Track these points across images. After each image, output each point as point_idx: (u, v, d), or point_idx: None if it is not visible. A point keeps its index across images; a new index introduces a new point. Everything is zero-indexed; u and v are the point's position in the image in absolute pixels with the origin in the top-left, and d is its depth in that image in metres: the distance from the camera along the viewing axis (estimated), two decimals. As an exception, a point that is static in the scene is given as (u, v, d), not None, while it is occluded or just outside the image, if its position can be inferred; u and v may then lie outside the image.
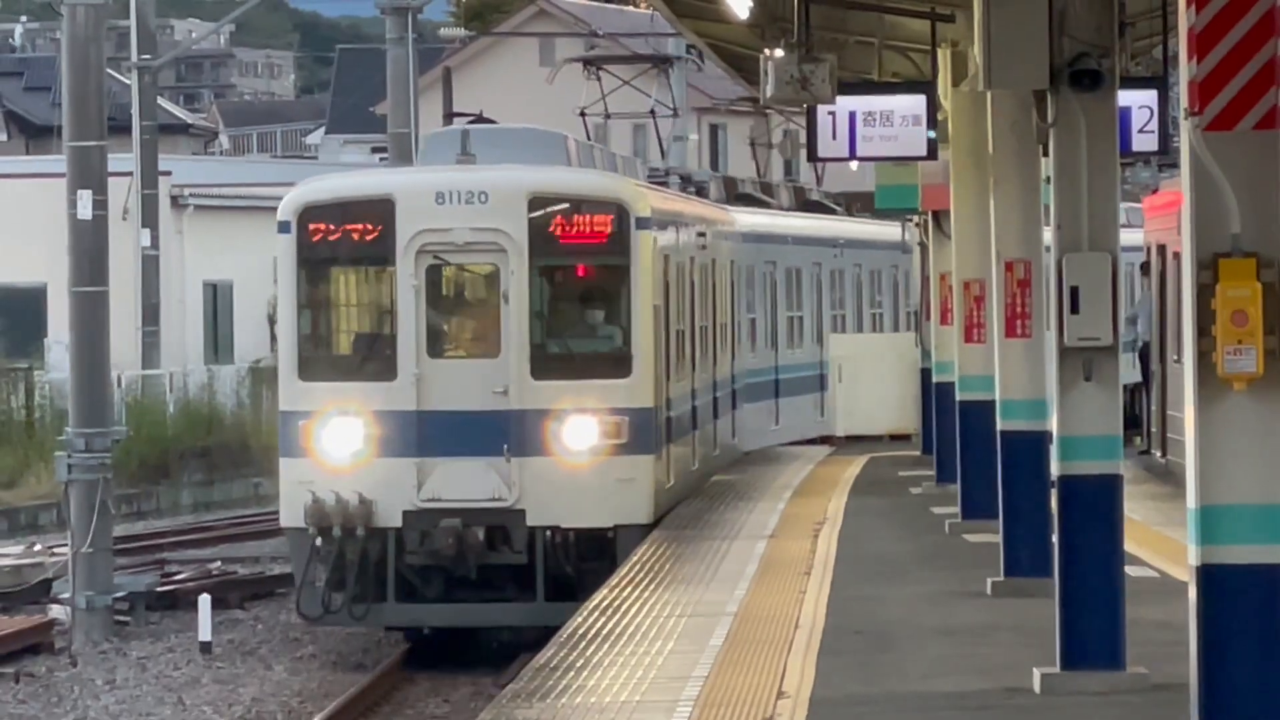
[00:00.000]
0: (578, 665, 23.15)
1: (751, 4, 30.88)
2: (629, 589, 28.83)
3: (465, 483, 30.12)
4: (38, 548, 45.23)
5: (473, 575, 29.74)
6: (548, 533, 30.12)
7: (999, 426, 26.53)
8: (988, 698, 20.41)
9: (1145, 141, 31.47)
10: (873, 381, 54.78)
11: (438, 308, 31.08)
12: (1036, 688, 20.21)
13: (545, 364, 31.01)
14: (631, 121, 62.98)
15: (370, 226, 30.77)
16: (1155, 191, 47.27)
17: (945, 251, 40.26)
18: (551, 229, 31.21)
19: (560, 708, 20.90)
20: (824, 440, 53.79)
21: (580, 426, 30.68)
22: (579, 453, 30.93)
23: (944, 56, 34.40)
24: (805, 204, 60.06)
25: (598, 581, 28.93)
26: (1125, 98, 26.88)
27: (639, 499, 30.65)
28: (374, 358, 31.22)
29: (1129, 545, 21.74)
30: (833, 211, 61.00)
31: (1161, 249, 42.53)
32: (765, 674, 22.01)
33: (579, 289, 33.37)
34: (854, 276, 60.66)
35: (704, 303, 41.98)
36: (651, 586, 28.94)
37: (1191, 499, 15.57)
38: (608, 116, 55.50)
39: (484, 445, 30.30)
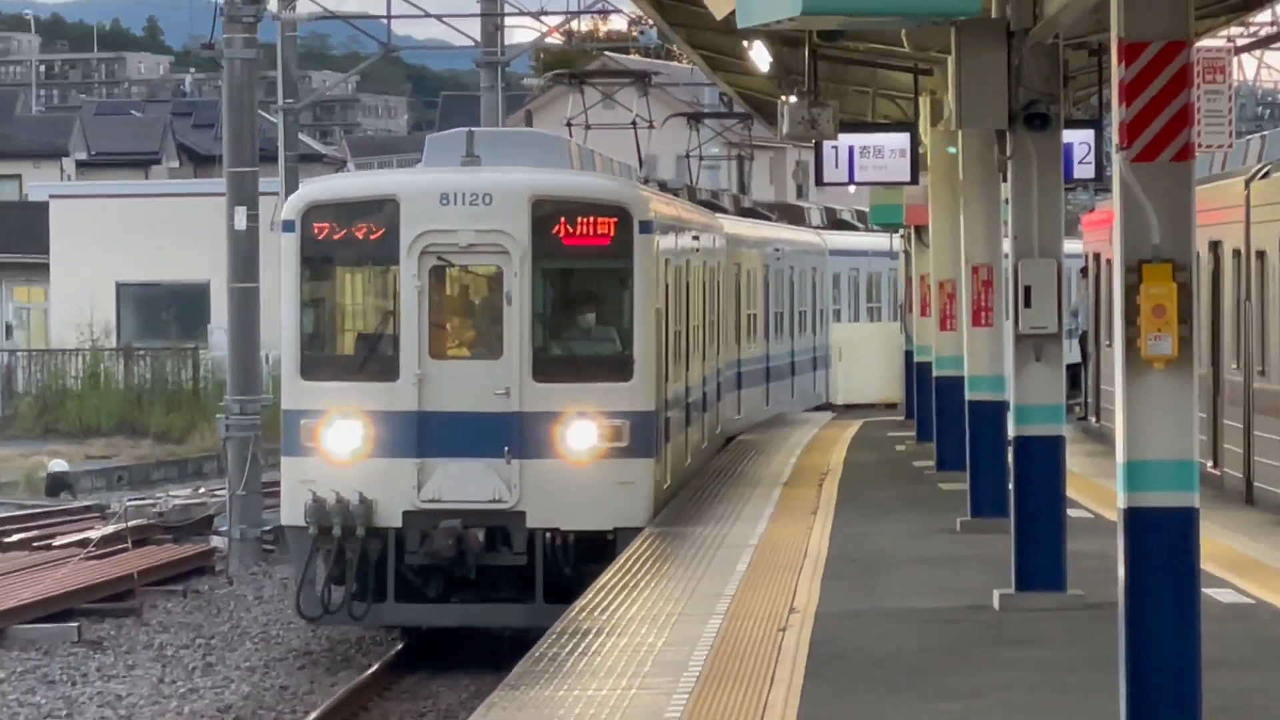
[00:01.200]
0: (632, 583, 23.15)
1: (771, 60, 30.69)
2: (670, 525, 28.06)
3: (466, 484, 24.52)
4: (202, 490, 46.58)
5: (472, 576, 24.47)
6: (547, 534, 24.56)
7: (967, 397, 26.18)
8: (956, 613, 20.65)
9: (1084, 170, 32.01)
10: (866, 361, 54.69)
11: (440, 309, 25.40)
12: (996, 605, 20.31)
13: (547, 366, 25.11)
14: (674, 154, 66.82)
15: (374, 227, 25.23)
16: (1092, 210, 46.39)
17: (925, 257, 39.25)
18: (555, 231, 25.31)
19: (616, 615, 21.26)
20: (828, 407, 53.80)
21: (581, 429, 24.79)
22: (579, 455, 24.97)
23: (924, 103, 34.06)
24: (836, 222, 59.96)
25: None
26: (1068, 136, 26.71)
27: (639, 502, 24.98)
28: (376, 358, 25.35)
29: (1070, 492, 21.69)
30: (854, 227, 60.84)
31: (1097, 256, 41.30)
32: (780, 593, 21.89)
33: (581, 292, 26.83)
34: (850, 278, 60.06)
35: (708, 302, 35.56)
36: (689, 523, 28.32)
37: (1120, 455, 15.50)
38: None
39: (485, 446, 24.58)
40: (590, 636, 17.97)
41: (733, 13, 15.74)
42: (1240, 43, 37.77)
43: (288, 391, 24.70)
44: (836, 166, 32.97)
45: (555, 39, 61.64)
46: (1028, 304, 21.35)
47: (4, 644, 29.38)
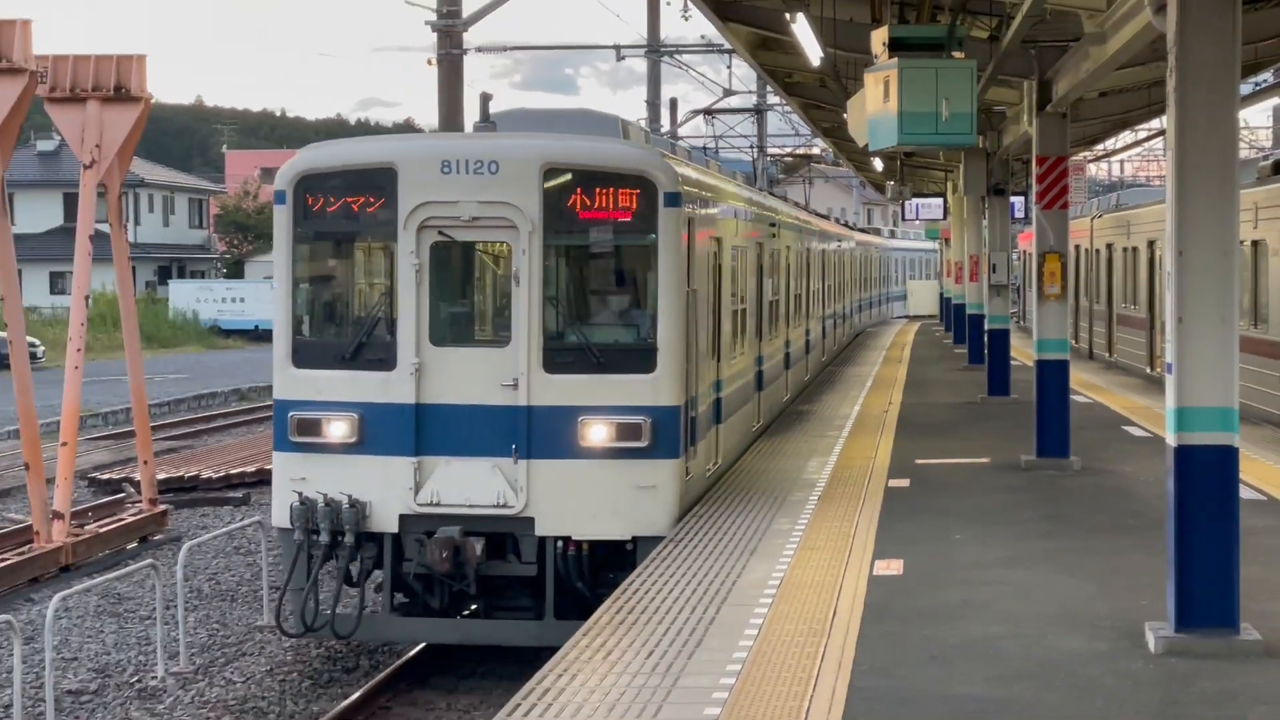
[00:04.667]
0: (750, 467, 20.12)
1: (882, 166, 37.91)
2: (800, 405, 27.27)
3: (468, 485, 15.21)
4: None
5: (475, 588, 15.18)
6: (559, 543, 15.07)
7: (985, 326, 29.43)
8: (995, 466, 19.47)
9: (1019, 213, 38.30)
10: (922, 296, 70.97)
11: (441, 290, 15.71)
12: (1022, 464, 18.84)
13: (560, 355, 15.30)
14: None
15: (371, 198, 15.72)
16: (1024, 231, 52.35)
17: (948, 253, 47.90)
18: (569, 204, 15.51)
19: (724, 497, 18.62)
20: (905, 317, 67.60)
21: (597, 426, 15.12)
22: (595, 455, 15.14)
23: (951, 181, 41.44)
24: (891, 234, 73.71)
25: None
26: (1013, 199, 34.19)
27: (661, 508, 15.26)
28: (371, 344, 15.61)
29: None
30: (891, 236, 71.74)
31: (1026, 252, 51.66)
32: (869, 443, 21.79)
33: (599, 272, 16.25)
34: (897, 260, 71.67)
35: (790, 279, 25.10)
36: (818, 394, 29.14)
37: (1035, 336, 19.26)
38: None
39: (490, 444, 15.24)
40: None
41: (867, 143, 15.47)
42: (1088, 156, 49.07)
43: (279, 380, 15.50)
44: (910, 212, 41.46)
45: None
46: (993, 270, 27.00)
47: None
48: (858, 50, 19.31)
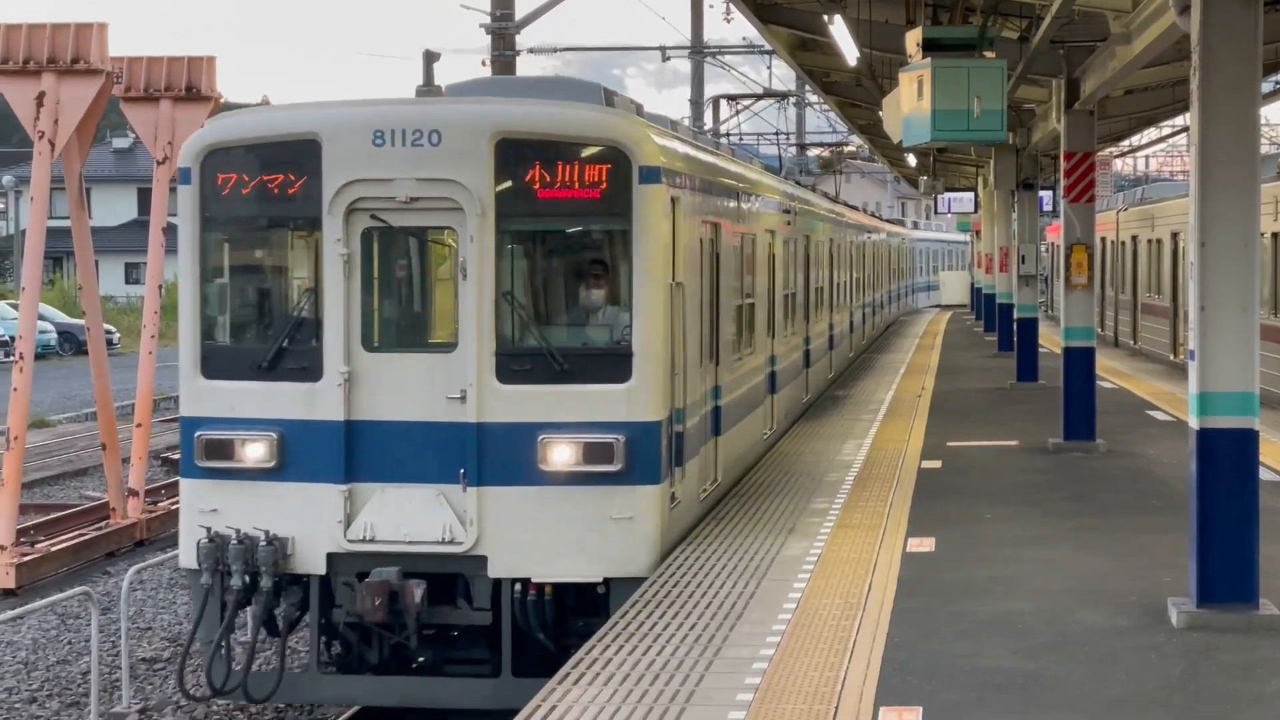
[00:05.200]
0: (803, 433, 21.12)
1: (915, 161, 37.64)
2: (835, 390, 27.29)
3: (408, 518, 11.88)
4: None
5: (417, 640, 11.88)
6: (517, 586, 11.81)
7: (1014, 315, 28.88)
8: (1023, 449, 19.30)
9: (1048, 206, 38.89)
10: (954, 286, 69.59)
11: (375, 285, 12.23)
12: (1050, 447, 18.72)
13: (516, 362, 11.87)
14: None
15: (292, 176, 12.16)
16: (1052, 224, 52.08)
17: (979, 245, 48.90)
18: (526, 181, 11.87)
19: (796, 450, 19.61)
20: (936, 307, 67.02)
21: (561, 446, 11.74)
22: (559, 481, 11.78)
23: (982, 176, 41.17)
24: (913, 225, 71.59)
25: None
26: (1041, 193, 33.64)
27: (639, 544, 11.90)
28: (293, 351, 12.14)
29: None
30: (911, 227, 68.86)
31: (1054, 245, 52.39)
32: (903, 426, 22.28)
33: (563, 262, 12.57)
34: (921, 251, 69.25)
35: (786, 272, 19.87)
36: (853, 380, 29.33)
37: (1062, 324, 19.22)
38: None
39: (434, 469, 11.91)
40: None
41: (902, 139, 15.59)
42: (1114, 152, 48.64)
43: (186, 393, 12.23)
44: (943, 206, 41.16)
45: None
46: (1022, 261, 26.88)
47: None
48: (893, 50, 19.26)
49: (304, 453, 11.85)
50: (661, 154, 12.08)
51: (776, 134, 34.18)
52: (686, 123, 29.78)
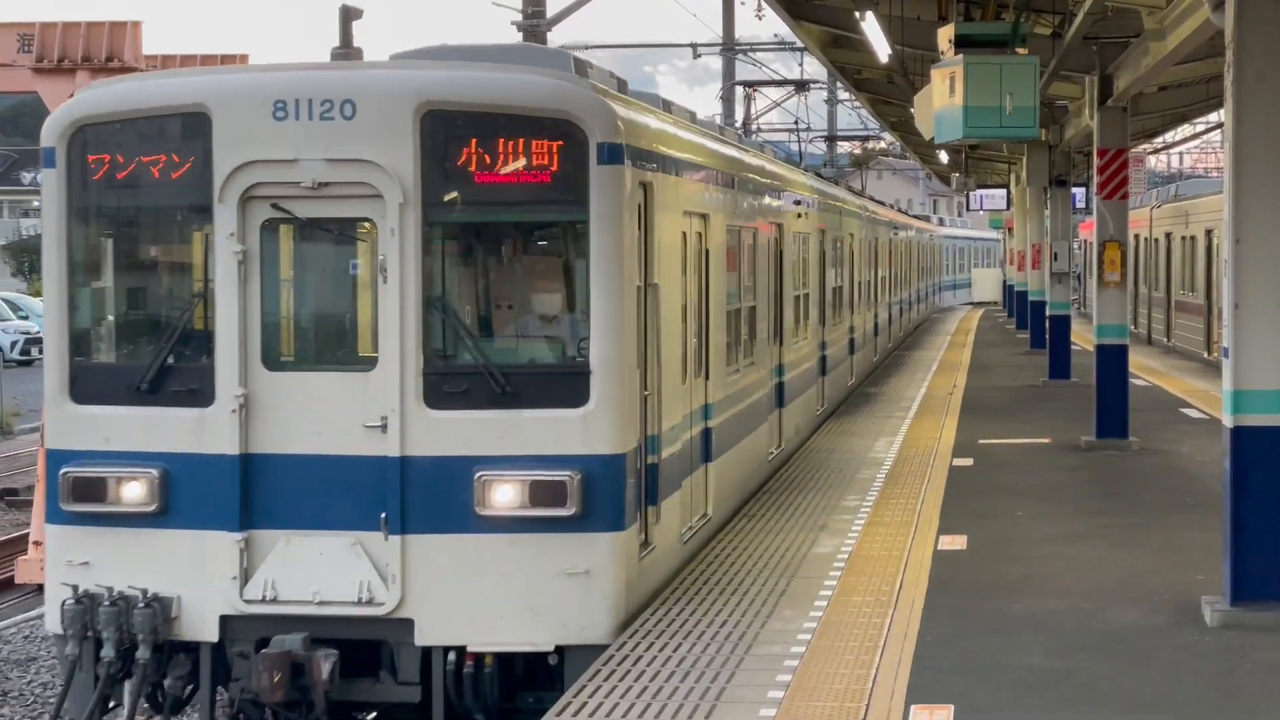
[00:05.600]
0: (817, 447, 21.14)
1: (947, 158, 37.63)
2: (867, 388, 27.23)
3: (318, 574, 9.37)
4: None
5: None
6: (450, 656, 9.36)
7: (1047, 312, 28.94)
8: (1056, 447, 19.20)
9: (1081, 203, 38.95)
10: (986, 284, 68.71)
11: (278, 290, 9.73)
12: (1082, 445, 18.68)
13: (448, 383, 9.39)
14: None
15: (176, 158, 9.51)
16: (1085, 221, 51.48)
17: (1011, 242, 48.75)
18: (460, 162, 9.36)
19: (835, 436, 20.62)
20: (969, 304, 66.29)
21: (503, 486, 9.28)
22: (501, 528, 9.32)
23: (1013, 174, 41.25)
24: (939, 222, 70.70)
25: None
26: (1074, 189, 33.51)
27: (598, 604, 9.38)
28: (179, 369, 9.58)
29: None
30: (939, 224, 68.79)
31: (1087, 241, 52.00)
32: (934, 424, 23.36)
33: (506, 261, 10.07)
34: (948, 248, 67.72)
35: (797, 272, 17.86)
36: (884, 378, 29.34)
37: (1095, 321, 18.99)
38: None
39: (349, 513, 9.37)
40: None
41: (933, 136, 15.49)
42: (1147, 149, 48.45)
43: (51, 422, 10.00)
44: (975, 203, 41.11)
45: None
46: (1055, 258, 26.83)
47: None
48: (924, 47, 19.28)
49: (192, 494, 9.69)
50: (627, 129, 9.91)
51: (796, 123, 33.65)
52: (717, 119, 29.70)
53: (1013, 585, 11.23)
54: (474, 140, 9.59)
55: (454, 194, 9.72)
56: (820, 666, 9.14)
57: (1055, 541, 12.87)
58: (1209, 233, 31.14)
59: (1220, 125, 34.66)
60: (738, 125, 31.13)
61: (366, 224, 9.81)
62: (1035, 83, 14.17)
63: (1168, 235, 36.51)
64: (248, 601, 9.68)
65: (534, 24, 26.78)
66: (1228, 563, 10.21)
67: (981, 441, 19.18)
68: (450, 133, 9.66)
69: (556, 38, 48.81)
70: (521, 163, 9.57)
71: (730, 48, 42.50)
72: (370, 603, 9.60)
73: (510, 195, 9.72)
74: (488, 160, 9.61)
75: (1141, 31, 16.54)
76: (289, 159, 9.67)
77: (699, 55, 40.30)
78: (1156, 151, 57.33)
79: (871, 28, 17.32)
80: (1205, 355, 31.46)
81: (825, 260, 20.73)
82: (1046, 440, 19.34)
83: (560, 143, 9.59)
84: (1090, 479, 16.36)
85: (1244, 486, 10.08)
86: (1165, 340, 36.88)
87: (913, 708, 8.37)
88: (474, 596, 9.57)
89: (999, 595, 10.92)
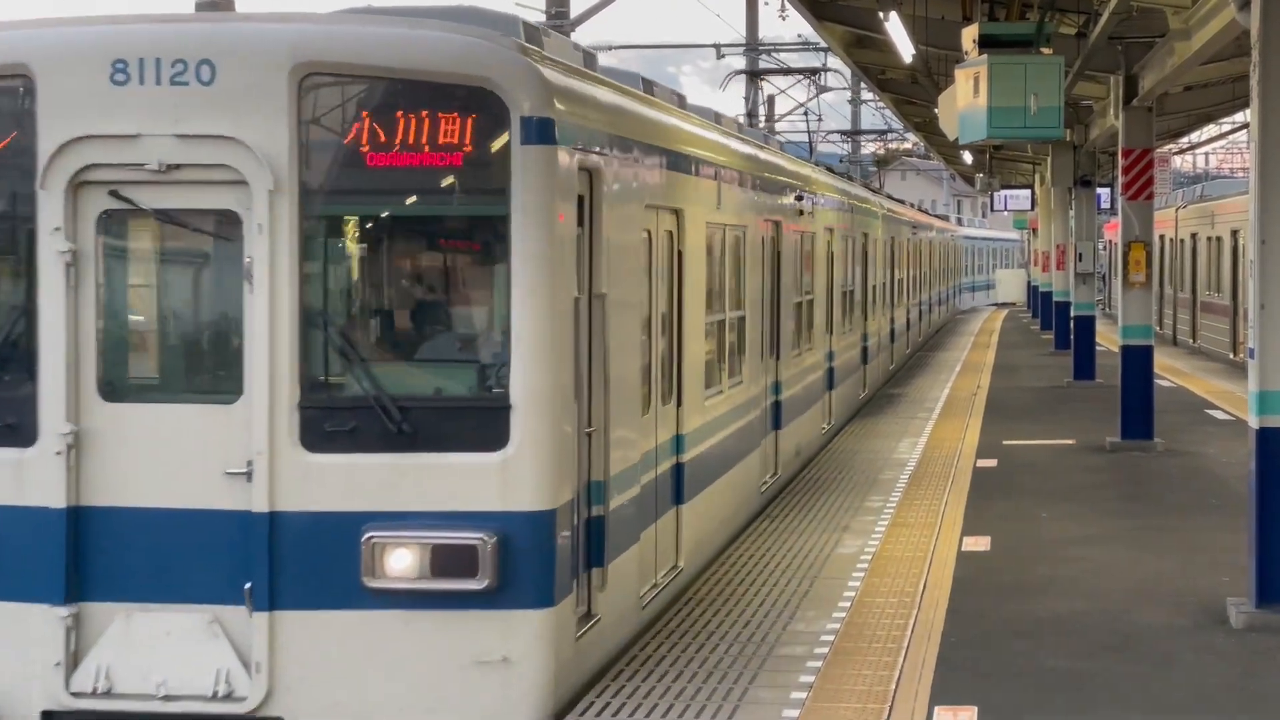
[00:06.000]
0: (857, 431, 22.14)
1: (971, 159, 37.67)
2: (890, 388, 27.43)
3: (165, 660, 7.10)
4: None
5: None
6: None
7: (1071, 313, 29.25)
8: (1080, 448, 19.38)
9: (1106, 204, 37.84)
10: (1010, 284, 69.89)
11: (118, 300, 7.31)
12: (1107, 446, 18.67)
13: (331, 419, 7.11)
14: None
15: None
16: (1109, 221, 52.24)
17: (1035, 242, 49.84)
18: (349, 140, 7.11)
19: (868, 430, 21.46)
20: (993, 305, 67.66)
21: (399, 551, 7.03)
22: (396, 603, 7.13)
23: (1037, 175, 41.35)
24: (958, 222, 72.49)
25: None
26: (1100, 190, 33.44)
27: (517, 700, 7.10)
28: None
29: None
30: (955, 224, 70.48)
31: (1111, 242, 49.85)
32: (958, 425, 23.68)
33: (406, 265, 7.61)
34: (968, 249, 68.67)
35: (797, 274, 15.99)
36: (908, 379, 29.56)
37: (1120, 322, 19.28)
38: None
39: (204, 582, 7.09)
40: None
41: (958, 136, 15.42)
42: (1173, 149, 48.88)
43: None
44: (999, 204, 41.28)
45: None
46: (1079, 259, 26.80)
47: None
48: (948, 47, 19.32)
49: (6, 557, 7.70)
50: (564, 102, 7.98)
51: (806, 114, 33.12)
52: (741, 118, 28.22)
53: (1037, 586, 11.22)
54: (365, 112, 7.60)
55: (339, 180, 7.70)
56: (843, 668, 9.12)
57: (1079, 543, 12.86)
58: (1235, 233, 31.09)
59: (1246, 125, 34.58)
60: (759, 124, 30.67)
61: (227, 218, 7.69)
62: (1060, 83, 14.15)
63: (1193, 236, 36.46)
64: (75, 695, 7.67)
65: (558, 23, 26.71)
66: (1253, 564, 10.18)
67: (1005, 442, 19.19)
68: (335, 103, 7.66)
69: (581, 38, 48.94)
70: (426, 140, 7.52)
71: (754, 48, 42.53)
72: (229, 697, 7.61)
73: (411, 182, 7.65)
74: (383, 137, 7.56)
75: (1167, 31, 16.55)
76: (130, 134, 7.61)
77: (723, 56, 40.17)
78: (1182, 152, 57.15)
79: (895, 28, 17.32)
80: (1231, 356, 31.43)
81: (833, 262, 19.02)
82: (1071, 441, 19.35)
83: (475, 116, 7.52)
84: (1115, 480, 16.34)
85: (1270, 488, 10.05)
86: (1190, 341, 36.84)
87: (936, 709, 8.36)
88: (361, 690, 7.61)
89: (1023, 596, 10.91)
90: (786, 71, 39.06)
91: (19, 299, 7.82)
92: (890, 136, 51.56)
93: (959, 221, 67.47)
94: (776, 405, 14.60)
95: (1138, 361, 18.88)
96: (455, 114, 7.48)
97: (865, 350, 22.67)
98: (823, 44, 34.27)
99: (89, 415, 7.69)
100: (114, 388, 7.80)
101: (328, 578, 7.55)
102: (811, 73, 36.84)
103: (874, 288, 23.92)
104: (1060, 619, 10.28)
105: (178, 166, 7.60)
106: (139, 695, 7.62)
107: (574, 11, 27.40)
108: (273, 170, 7.56)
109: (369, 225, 7.92)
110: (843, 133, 47.43)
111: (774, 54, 42.73)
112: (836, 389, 19.51)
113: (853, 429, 20.53)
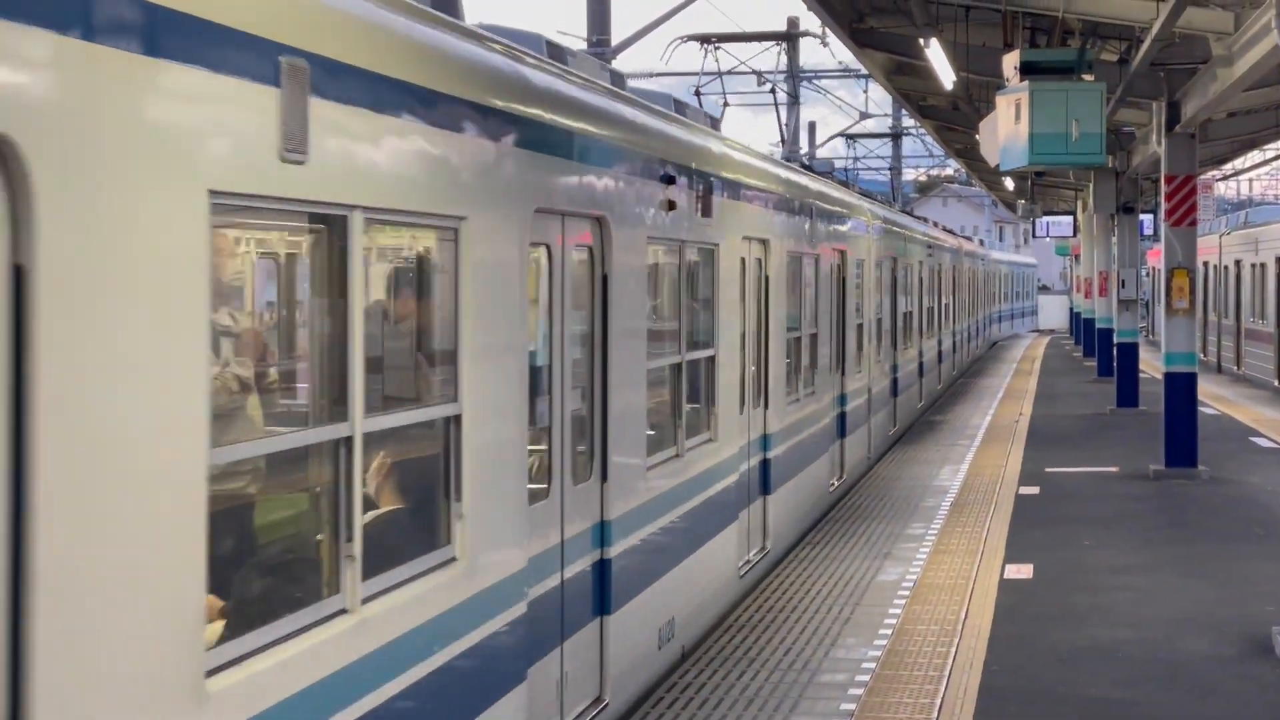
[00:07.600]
0: (898, 459, 23.29)
1: (1013, 185, 37.65)
2: (932, 415, 28.05)
3: None
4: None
5: None
6: None
7: (1114, 339, 28.95)
8: (1123, 475, 19.30)
9: (1148, 230, 39.60)
10: (1052, 311, 70.73)
11: None
12: (1150, 474, 18.62)
13: None
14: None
15: None
16: (1152, 248, 52.80)
17: (1078, 269, 49.51)
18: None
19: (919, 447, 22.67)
20: (1035, 331, 69.10)
21: None
22: None
23: (1079, 201, 40.89)
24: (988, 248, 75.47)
25: None
26: (1143, 217, 33.22)
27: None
28: None
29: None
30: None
31: (1154, 269, 51.93)
32: (1000, 452, 23.44)
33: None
34: (998, 274, 68.82)
35: (781, 308, 12.92)
36: (950, 406, 30.22)
37: (1163, 349, 19.19)
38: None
39: None
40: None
41: (999, 163, 15.45)
42: (1216, 175, 48.73)
43: None
44: (1041, 230, 41.28)
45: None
46: (1122, 286, 26.68)
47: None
48: (989, 74, 19.45)
49: None
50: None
51: (879, 158, 33.04)
52: (775, 151, 28.19)
53: (1079, 615, 11.22)
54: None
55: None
56: (884, 696, 9.13)
57: (1122, 571, 12.85)
58: (1279, 260, 31.26)
59: (1290, 151, 34.55)
60: (804, 153, 30.10)
61: None
62: (1102, 109, 14.17)
63: (1237, 262, 36.54)
64: None
65: (599, 51, 26.90)
66: (1298, 593, 10.23)
67: (1048, 470, 19.25)
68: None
69: (621, 65, 48.83)
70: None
71: (794, 75, 42.56)
72: None
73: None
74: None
75: (1209, 58, 16.56)
76: None
77: (764, 82, 40.27)
78: (1226, 178, 57.05)
79: (936, 55, 17.39)
80: (1275, 384, 31.37)
81: (830, 290, 16.17)
82: (1114, 469, 19.33)
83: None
84: (1158, 508, 16.35)
85: (1314, 516, 10.09)
86: (1235, 368, 36.86)
87: (978, 737, 8.48)
88: None
89: (1065, 625, 10.92)
90: (874, 135, 38.87)
91: None
92: (932, 165, 51.78)
93: (981, 242, 66.34)
94: (765, 465, 12.86)
95: (1181, 388, 18.83)
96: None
97: (870, 400, 19.79)
98: (863, 71, 34.41)
99: None
100: None
101: None
102: (896, 136, 35.47)
103: (884, 319, 21.70)
104: (1102, 648, 10.26)
105: None
106: None
107: (614, 40, 27.59)
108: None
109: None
110: (891, 165, 47.44)
111: (815, 80, 42.81)
112: (849, 437, 17.67)
113: (894, 455, 20.52)
